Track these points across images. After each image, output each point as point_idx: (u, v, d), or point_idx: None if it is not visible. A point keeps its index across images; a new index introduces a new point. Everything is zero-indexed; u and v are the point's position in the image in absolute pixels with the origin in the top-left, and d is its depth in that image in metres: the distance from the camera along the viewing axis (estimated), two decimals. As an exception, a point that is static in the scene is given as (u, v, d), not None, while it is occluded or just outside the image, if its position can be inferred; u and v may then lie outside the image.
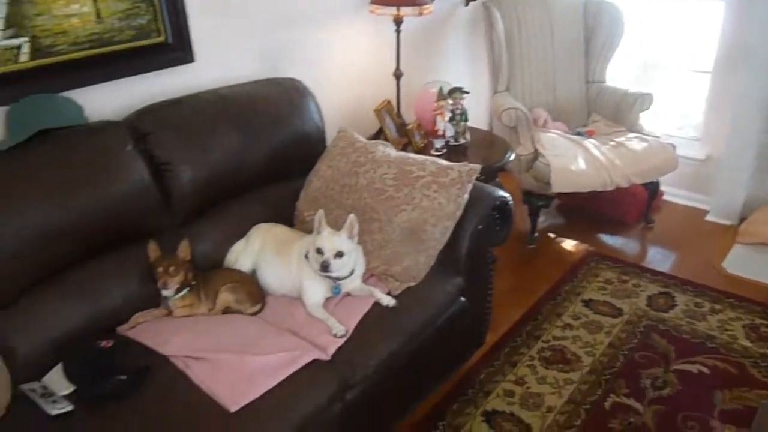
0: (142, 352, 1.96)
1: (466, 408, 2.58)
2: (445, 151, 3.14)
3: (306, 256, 2.19)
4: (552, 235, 3.91)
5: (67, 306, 2.04)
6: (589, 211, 4.08)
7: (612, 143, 3.65)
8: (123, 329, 2.11)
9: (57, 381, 1.93)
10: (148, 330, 2.08)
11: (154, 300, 2.19)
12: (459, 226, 2.33)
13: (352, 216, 2.15)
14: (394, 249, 2.26)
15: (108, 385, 1.84)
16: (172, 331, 2.04)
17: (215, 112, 2.40)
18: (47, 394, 1.87)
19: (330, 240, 2.11)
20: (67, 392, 1.89)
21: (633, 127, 3.81)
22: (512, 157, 3.11)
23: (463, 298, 2.43)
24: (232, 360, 1.88)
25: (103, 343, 1.96)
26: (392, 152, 2.50)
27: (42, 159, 1.99)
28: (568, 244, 3.79)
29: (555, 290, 3.31)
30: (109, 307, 2.12)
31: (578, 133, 3.81)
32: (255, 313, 2.23)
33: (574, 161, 3.46)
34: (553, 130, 3.78)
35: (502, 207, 2.48)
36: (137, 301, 2.18)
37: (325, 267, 2.08)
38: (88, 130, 2.15)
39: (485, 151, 3.20)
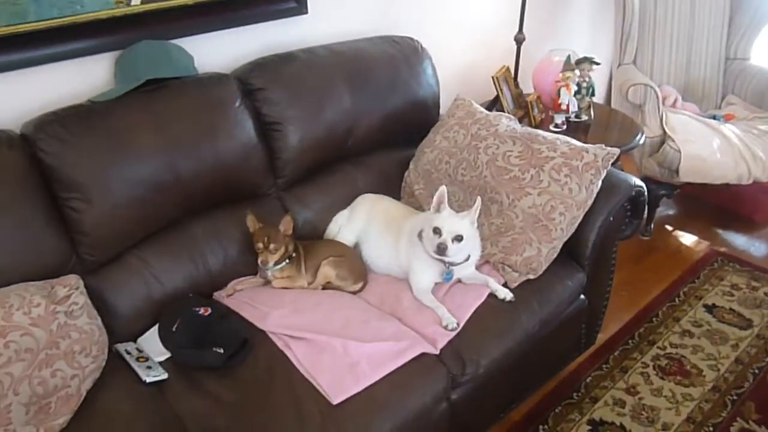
0: (240, 325, 1.84)
1: (570, 413, 2.36)
2: (565, 127, 2.84)
3: (419, 236, 1.99)
4: (669, 227, 3.55)
5: (166, 266, 1.95)
6: (711, 203, 3.67)
7: (755, 131, 3.22)
8: (220, 295, 2.01)
9: (153, 344, 1.86)
10: (246, 300, 1.96)
11: (252, 267, 2.07)
12: (587, 216, 2.07)
13: (479, 200, 1.93)
14: (514, 236, 2.03)
15: (205, 356, 1.74)
16: (271, 304, 1.91)
17: (329, 69, 2.22)
18: (142, 357, 1.80)
19: (450, 221, 1.90)
20: (162, 359, 1.81)
21: (780, 114, 3.36)
22: (642, 140, 2.77)
23: (582, 296, 2.18)
24: (334, 344, 1.73)
25: (201, 311, 1.85)
26: (518, 127, 2.24)
27: (151, 110, 1.88)
28: (688, 239, 3.43)
29: (672, 290, 2.99)
30: (207, 270, 2.02)
31: (714, 117, 3.39)
32: (356, 292, 2.07)
33: (709, 148, 3.08)
34: (684, 112, 3.38)
35: (637, 198, 2.19)
36: (235, 267, 2.07)
37: (441, 250, 1.88)
38: (197, 81, 2.01)
39: (610, 132, 2.88)
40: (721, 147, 3.10)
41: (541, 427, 2.30)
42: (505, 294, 1.96)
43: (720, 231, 3.49)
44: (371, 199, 2.28)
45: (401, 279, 2.07)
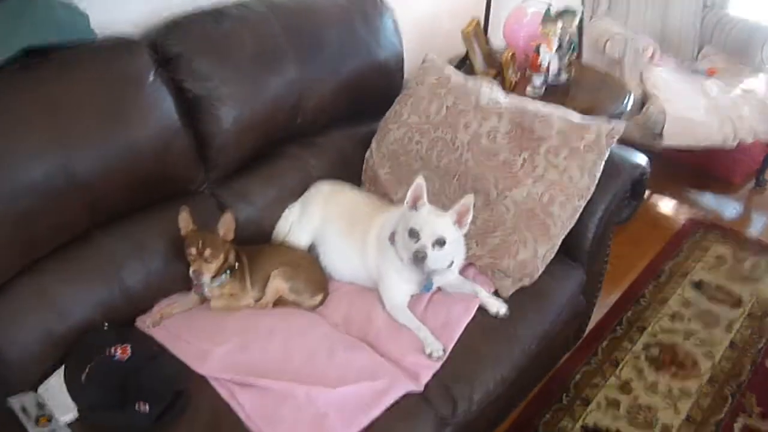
0: (171, 369, 1.45)
1: (561, 419, 2.10)
2: (543, 90, 2.48)
3: (391, 239, 1.62)
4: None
5: (69, 293, 1.54)
6: (685, 164, 3.42)
7: (739, 88, 2.95)
8: (144, 323, 1.60)
9: (58, 395, 1.45)
10: (178, 330, 1.56)
11: (184, 281, 1.67)
12: (586, 204, 1.74)
13: (469, 198, 1.55)
14: (506, 235, 1.68)
15: (126, 417, 1.35)
16: (210, 337, 1.52)
17: (268, 28, 1.79)
18: (44, 417, 1.39)
19: (431, 222, 1.54)
20: (70, 418, 1.40)
21: (761, 68, 3.09)
22: (631, 103, 2.45)
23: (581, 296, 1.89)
24: (295, 392, 1.37)
25: (119, 353, 1.44)
26: (501, 97, 1.86)
27: (32, 91, 1.43)
28: (666, 205, 3.19)
29: (656, 266, 2.75)
30: (125, 292, 1.61)
31: (695, 71, 3.10)
32: (315, 306, 1.70)
33: (694, 109, 2.80)
34: (664, 66, 3.07)
35: (640, 179, 1.87)
36: (162, 284, 1.68)
37: (420, 258, 1.52)
38: (95, 50, 1.55)
39: (594, 95, 2.54)
40: (707, 106, 2.83)
41: (530, 438, 2.04)
42: (498, 307, 1.62)
43: (697, 195, 3.29)
44: (327, 189, 1.89)
45: (370, 289, 1.71)
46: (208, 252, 1.56)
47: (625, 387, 2.21)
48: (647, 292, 2.62)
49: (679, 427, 2.07)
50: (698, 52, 3.41)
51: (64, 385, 1.45)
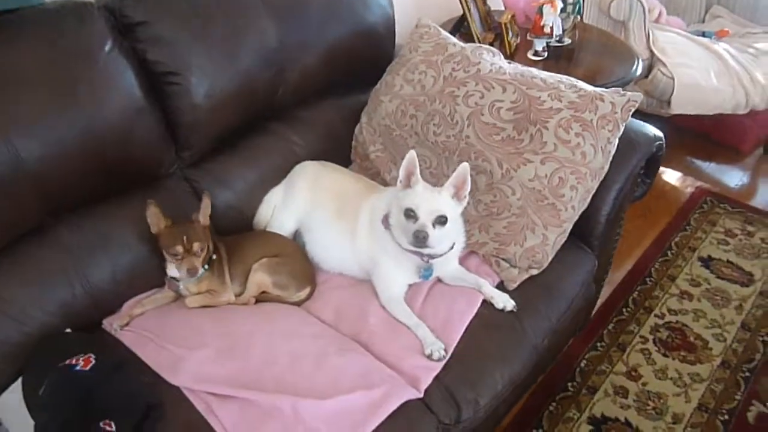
0: (140, 381, 1.28)
1: (567, 410, 1.97)
2: (546, 55, 2.30)
3: (384, 222, 1.46)
4: (649, 161, 3.13)
5: (24, 295, 1.38)
6: (690, 131, 3.26)
7: (751, 51, 2.78)
8: (112, 325, 1.44)
9: (15, 412, 1.30)
10: (148, 332, 1.40)
11: (156, 278, 1.50)
12: (600, 184, 1.58)
13: (465, 167, 1.39)
14: (511, 219, 1.52)
15: (89, 438, 1.18)
16: (185, 340, 1.36)
17: (242, -10, 1.57)
18: (-3, 435, 1.23)
19: (428, 199, 1.38)
20: (26, 439, 1.24)
21: (773, 29, 2.92)
22: (640, 69, 2.27)
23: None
24: (280, 405, 1.22)
25: (81, 363, 1.27)
26: (505, 65, 1.68)
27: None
28: (672, 176, 3.04)
29: (663, 241, 2.62)
30: (89, 292, 1.45)
31: (703, 34, 2.91)
32: (302, 301, 1.54)
33: (705, 73, 2.63)
34: (671, 28, 2.88)
35: (655, 155, 1.71)
36: (131, 281, 1.52)
37: (421, 240, 1.35)
38: (43, 16, 1.36)
39: (600, 59, 2.35)
40: (718, 71, 2.65)
41: (534, 431, 1.91)
42: (505, 302, 1.47)
43: (704, 164, 3.14)
44: (313, 169, 1.71)
45: (362, 280, 1.55)
46: (197, 246, 1.40)
47: (632, 373, 2.09)
48: (654, 269, 2.49)
49: (691, 416, 1.96)
50: (706, 13, 3.22)
51: (23, 401, 1.30)
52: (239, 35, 1.56)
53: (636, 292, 2.39)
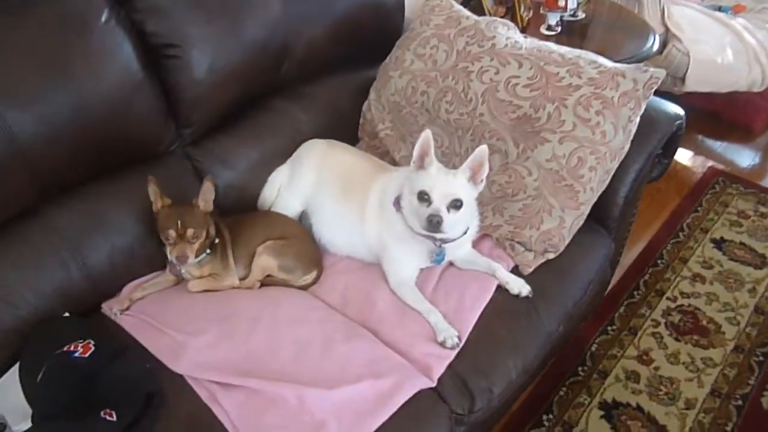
0: (141, 368, 1.23)
1: (577, 395, 1.94)
2: (559, 29, 2.22)
3: (396, 204, 1.40)
4: (659, 140, 3.06)
5: (17, 278, 1.31)
6: (699, 109, 3.16)
7: (769, 26, 2.69)
8: (111, 309, 1.38)
9: (12, 398, 1.24)
10: (149, 318, 1.35)
11: (155, 260, 1.45)
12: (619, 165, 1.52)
13: (483, 149, 1.32)
14: (527, 201, 1.46)
15: (88, 428, 1.13)
16: (186, 326, 1.30)
17: (245, -43, 1.48)
18: (-6, 424, 1.18)
19: (442, 181, 1.32)
20: (26, 427, 1.19)
21: (791, 4, 2.83)
22: (656, 44, 2.19)
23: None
24: (285, 394, 1.17)
25: (80, 350, 1.22)
26: (521, 39, 1.60)
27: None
28: (683, 155, 2.97)
29: (675, 222, 2.56)
30: (87, 274, 1.40)
31: (719, 9, 2.82)
32: (308, 285, 1.48)
33: (720, 50, 2.54)
34: (686, 3, 2.79)
35: (675, 134, 1.64)
36: (130, 263, 1.47)
37: (435, 224, 1.29)
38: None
39: (614, 34, 2.28)
40: (735, 48, 2.57)
41: (544, 416, 1.88)
42: (521, 288, 1.42)
43: (715, 143, 3.07)
44: (320, 148, 1.64)
45: (371, 264, 1.49)
46: (190, 233, 1.33)
47: (644, 357, 2.05)
48: (665, 251, 2.44)
49: (703, 401, 1.92)
50: (721, -14, 3.12)
51: (19, 387, 1.25)
52: (242, 6, 1.48)
53: (647, 275, 2.34)
